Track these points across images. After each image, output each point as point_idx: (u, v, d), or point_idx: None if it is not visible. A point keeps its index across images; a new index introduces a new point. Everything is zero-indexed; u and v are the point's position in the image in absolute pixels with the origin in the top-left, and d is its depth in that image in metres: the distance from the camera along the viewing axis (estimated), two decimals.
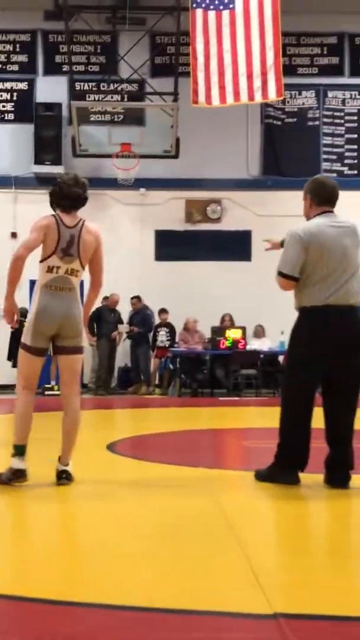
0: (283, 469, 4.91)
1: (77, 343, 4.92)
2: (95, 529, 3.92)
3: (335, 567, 3.12)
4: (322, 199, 5.04)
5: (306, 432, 4.88)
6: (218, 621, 2.48)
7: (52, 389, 13.70)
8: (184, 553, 3.32)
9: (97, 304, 14.70)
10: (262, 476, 5.02)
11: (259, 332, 14.83)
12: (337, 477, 4.85)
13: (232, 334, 14.10)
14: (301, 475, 4.87)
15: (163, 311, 14.83)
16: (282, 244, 5.13)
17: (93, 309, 5.65)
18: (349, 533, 3.74)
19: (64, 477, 4.86)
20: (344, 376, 4.80)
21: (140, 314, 14.59)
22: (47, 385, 13.79)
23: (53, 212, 5.04)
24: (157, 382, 14.91)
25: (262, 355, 14.10)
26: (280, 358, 14.32)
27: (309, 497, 4.77)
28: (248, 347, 14.20)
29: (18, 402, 4.89)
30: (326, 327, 4.78)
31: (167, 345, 14.63)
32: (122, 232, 15.59)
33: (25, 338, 4.88)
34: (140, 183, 15.03)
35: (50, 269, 4.88)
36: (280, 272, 4.93)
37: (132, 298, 14.63)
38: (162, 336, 14.73)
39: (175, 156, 14.58)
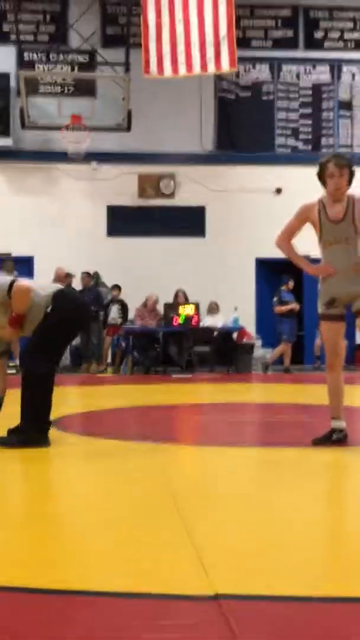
0: (40, 434, 5.11)
1: None
2: (35, 505, 3.69)
3: (284, 545, 2.92)
4: None
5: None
6: (156, 605, 2.26)
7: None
8: (124, 530, 3.10)
9: (49, 280, 14.38)
10: (13, 443, 5.04)
11: (213, 309, 14.62)
12: None
13: (186, 310, 13.89)
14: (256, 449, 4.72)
15: (115, 288, 14.53)
16: None
17: None
18: (300, 512, 3.56)
19: None
20: None
21: (93, 292, 14.26)
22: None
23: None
24: (109, 360, 14.64)
25: (215, 332, 13.92)
26: (234, 335, 14.19)
27: (257, 472, 4.60)
28: (201, 324, 14.01)
29: None
30: None
31: (119, 323, 14.36)
32: (73, 207, 15.26)
33: None
34: (92, 157, 14.68)
35: None
36: None
37: (82, 274, 14.28)
38: (114, 313, 14.44)
39: (127, 129, 14.25)
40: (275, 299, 14.03)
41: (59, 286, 5.56)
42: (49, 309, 5.16)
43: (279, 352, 13.79)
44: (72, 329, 5.52)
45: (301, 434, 5.90)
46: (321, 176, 5.15)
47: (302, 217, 5.24)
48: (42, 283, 5.46)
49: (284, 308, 13.79)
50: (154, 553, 2.76)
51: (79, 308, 5.52)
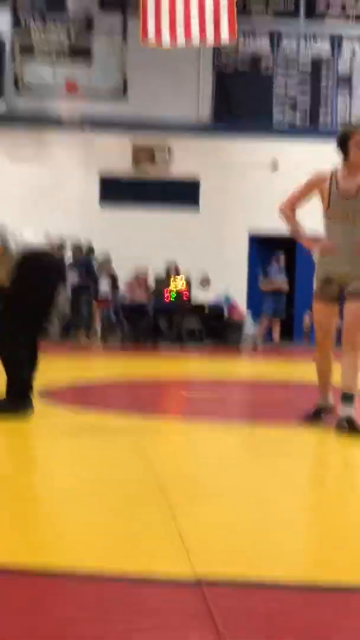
0: (22, 401, 5.07)
1: None
2: (11, 482, 3.59)
3: (270, 528, 2.84)
4: None
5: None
6: (133, 588, 2.17)
7: None
8: (105, 509, 3.01)
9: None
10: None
11: (205, 283, 14.51)
12: None
13: (177, 283, 13.77)
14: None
15: (106, 260, 14.36)
16: None
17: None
18: (287, 493, 3.47)
19: None
20: None
21: (84, 263, 14.09)
22: None
23: None
24: (98, 332, 14.52)
25: (206, 309, 13.82)
26: (225, 310, 14.10)
27: (243, 451, 4.52)
28: (192, 298, 13.90)
29: None
30: None
31: (109, 296, 14.22)
32: (65, 175, 15.05)
33: None
34: (86, 123, 14.44)
35: None
36: None
37: (72, 245, 14.09)
38: (104, 285, 14.30)
39: (123, 96, 14.00)
40: (261, 274, 13.90)
41: (29, 248, 5.26)
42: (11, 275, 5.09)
43: (263, 328, 13.68)
44: (38, 294, 5.22)
45: (287, 412, 5.82)
46: (343, 144, 4.86)
47: (314, 185, 4.95)
48: (22, 240, 5.30)
49: (268, 287, 13.54)
50: (135, 532, 2.66)
51: (41, 275, 5.21)
